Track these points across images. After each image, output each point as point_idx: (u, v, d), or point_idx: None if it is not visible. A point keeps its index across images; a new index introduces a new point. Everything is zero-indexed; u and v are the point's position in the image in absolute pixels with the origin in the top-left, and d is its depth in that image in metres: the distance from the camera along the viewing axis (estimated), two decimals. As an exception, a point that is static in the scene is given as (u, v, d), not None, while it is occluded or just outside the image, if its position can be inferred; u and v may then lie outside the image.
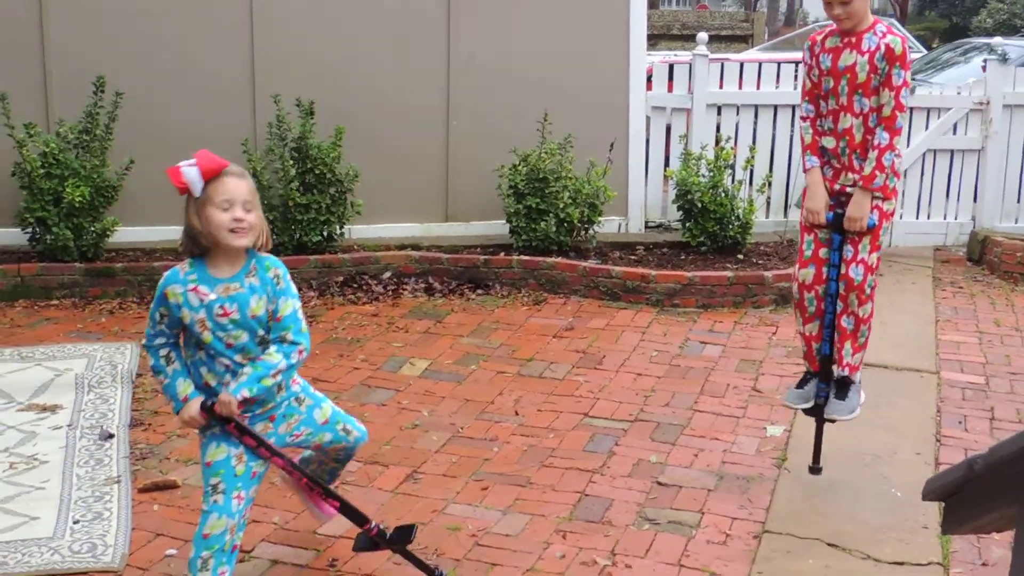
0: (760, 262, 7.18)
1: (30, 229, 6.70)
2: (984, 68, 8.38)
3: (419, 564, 3.47)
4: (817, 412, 4.32)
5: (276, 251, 6.82)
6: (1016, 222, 8.47)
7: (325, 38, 7.37)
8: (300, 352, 3.19)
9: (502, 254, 7.10)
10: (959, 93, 8.36)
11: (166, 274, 3.21)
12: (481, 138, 7.56)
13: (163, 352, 3.19)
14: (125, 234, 7.05)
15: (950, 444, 4.73)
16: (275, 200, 6.88)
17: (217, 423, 3.15)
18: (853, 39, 4.06)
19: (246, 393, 3.10)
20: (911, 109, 8.13)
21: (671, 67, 8.23)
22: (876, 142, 4.00)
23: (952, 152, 8.31)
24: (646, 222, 8.01)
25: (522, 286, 6.88)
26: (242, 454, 3.18)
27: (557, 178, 7.03)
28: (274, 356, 3.14)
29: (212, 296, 3.11)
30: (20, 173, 6.60)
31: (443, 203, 7.71)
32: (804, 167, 4.23)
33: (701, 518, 4.00)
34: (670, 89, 8.08)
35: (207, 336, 3.11)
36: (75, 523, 3.82)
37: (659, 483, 4.27)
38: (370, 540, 3.45)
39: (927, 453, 4.61)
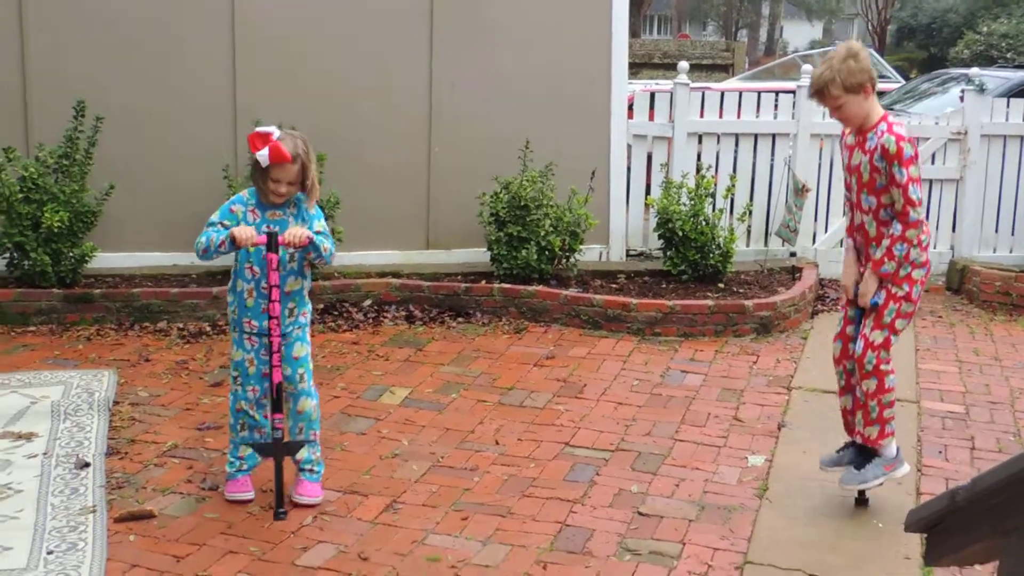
0: (741, 291, 7.19)
1: (8, 254, 6.65)
2: (962, 98, 8.46)
3: (279, 488, 4.05)
4: None
5: (256, 278, 6.87)
6: (994, 251, 8.52)
7: (307, 68, 7.35)
8: (332, 251, 4.24)
9: (483, 282, 7.09)
10: (937, 123, 8.43)
11: (234, 196, 4.25)
12: (463, 165, 7.57)
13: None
14: (104, 260, 7.01)
15: (931, 474, 4.73)
16: (256, 226, 6.85)
17: (267, 249, 4.01)
18: (861, 138, 4.15)
19: (313, 236, 4.07)
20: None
21: (652, 96, 8.27)
22: (891, 231, 4.09)
23: (931, 182, 8.36)
24: (627, 250, 8.02)
25: (503, 314, 6.86)
26: (253, 359, 4.21)
27: (538, 206, 7.04)
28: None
29: (261, 218, 4.13)
30: (-2, 198, 6.56)
31: (424, 230, 7.70)
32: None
33: (682, 549, 3.97)
34: (651, 117, 8.11)
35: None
36: (49, 554, 3.76)
37: (640, 513, 4.24)
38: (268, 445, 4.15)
39: (908, 483, 4.60)
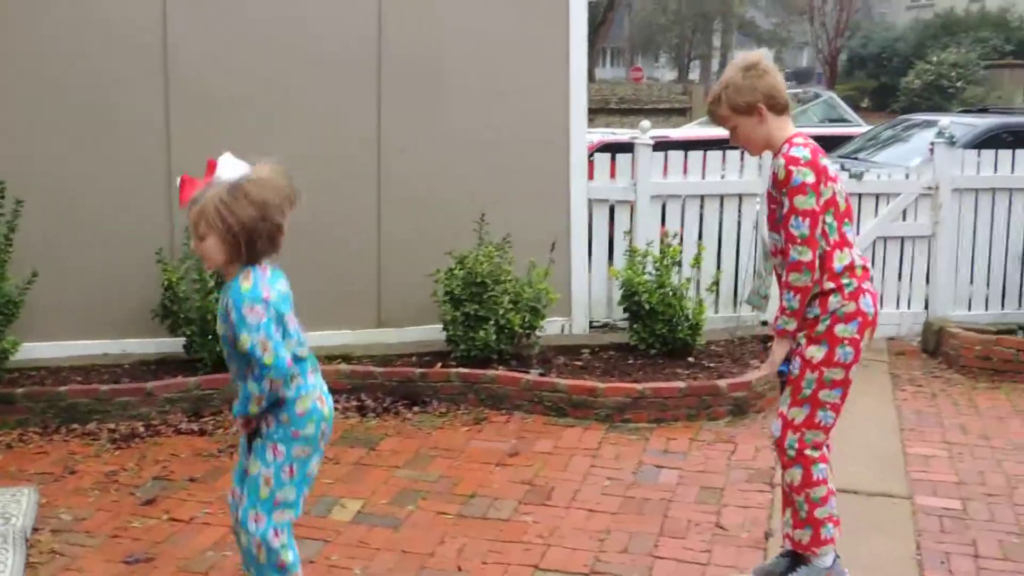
0: (712, 365, 6.80)
1: (-80, 353, 6.11)
2: (931, 151, 8.18)
3: None
4: None
5: (193, 368, 6.38)
6: (970, 308, 8.21)
7: (247, 133, 6.84)
8: (270, 383, 3.34)
9: (439, 364, 6.64)
10: (908, 177, 8.12)
11: None
12: (415, 236, 7.12)
13: None
14: (28, 351, 6.47)
15: (934, 590, 4.33)
16: (192, 313, 6.37)
17: None
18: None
19: (240, 419, 3.49)
20: (859, 195, 7.89)
21: (613, 155, 7.88)
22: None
23: (902, 239, 8.06)
24: (591, 321, 7.61)
25: (462, 401, 6.41)
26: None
27: (496, 281, 6.61)
28: (251, 384, 3.38)
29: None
30: (-93, 292, 6.02)
31: (375, 307, 7.24)
32: None
33: None
34: (612, 174, 7.68)
35: None
36: None
37: (621, 659, 3.80)
38: None
39: (910, 602, 4.21)
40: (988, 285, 8.21)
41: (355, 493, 5.17)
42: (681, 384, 6.29)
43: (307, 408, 3.50)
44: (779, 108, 3.57)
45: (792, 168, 3.43)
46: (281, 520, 3.57)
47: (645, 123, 7.81)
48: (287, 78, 6.95)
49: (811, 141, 3.56)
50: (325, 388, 3.66)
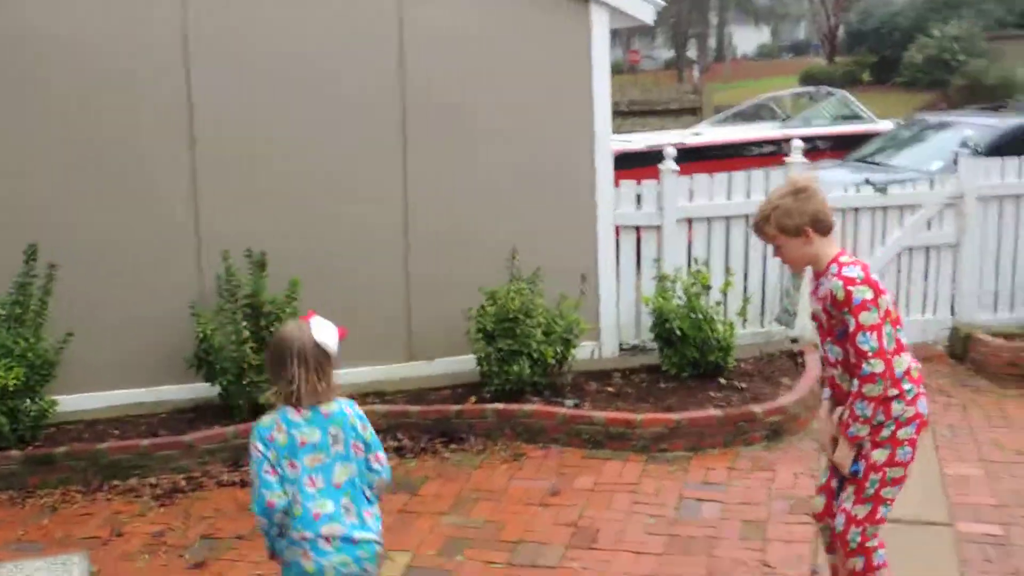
0: (744, 386, 6.83)
1: (-40, 414, 6.15)
2: (955, 161, 8.19)
3: None
4: None
5: (230, 415, 6.43)
6: (995, 311, 8.23)
7: (272, 187, 6.91)
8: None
9: (472, 399, 6.68)
10: (932, 187, 8.12)
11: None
12: (443, 272, 7.15)
13: None
14: (64, 403, 6.53)
15: (986, 628, 4.37)
16: (227, 363, 6.41)
17: None
18: (815, 284, 3.80)
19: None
20: (884, 208, 7.92)
21: (629, 165, 7.87)
22: (852, 389, 3.69)
23: (927, 248, 8.08)
24: (620, 344, 7.63)
25: (498, 436, 6.44)
26: None
27: (528, 315, 6.64)
28: None
29: None
30: (-55, 355, 6.07)
31: (405, 342, 7.28)
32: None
33: None
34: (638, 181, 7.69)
35: None
36: None
37: None
38: None
39: (963, 642, 4.25)
40: (1013, 288, 8.22)
41: (403, 544, 5.20)
42: (717, 413, 6.31)
43: (288, 560, 3.57)
44: (824, 230, 3.74)
45: (851, 288, 3.61)
46: None
47: (670, 149, 7.71)
48: (310, 135, 6.96)
49: (857, 259, 3.78)
50: (330, 553, 3.54)
